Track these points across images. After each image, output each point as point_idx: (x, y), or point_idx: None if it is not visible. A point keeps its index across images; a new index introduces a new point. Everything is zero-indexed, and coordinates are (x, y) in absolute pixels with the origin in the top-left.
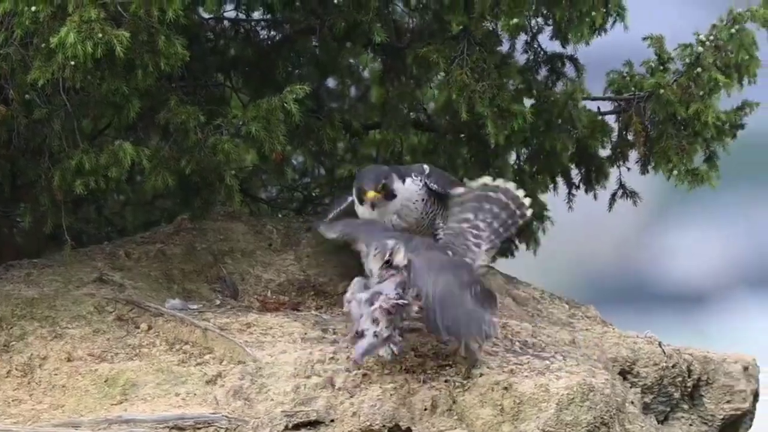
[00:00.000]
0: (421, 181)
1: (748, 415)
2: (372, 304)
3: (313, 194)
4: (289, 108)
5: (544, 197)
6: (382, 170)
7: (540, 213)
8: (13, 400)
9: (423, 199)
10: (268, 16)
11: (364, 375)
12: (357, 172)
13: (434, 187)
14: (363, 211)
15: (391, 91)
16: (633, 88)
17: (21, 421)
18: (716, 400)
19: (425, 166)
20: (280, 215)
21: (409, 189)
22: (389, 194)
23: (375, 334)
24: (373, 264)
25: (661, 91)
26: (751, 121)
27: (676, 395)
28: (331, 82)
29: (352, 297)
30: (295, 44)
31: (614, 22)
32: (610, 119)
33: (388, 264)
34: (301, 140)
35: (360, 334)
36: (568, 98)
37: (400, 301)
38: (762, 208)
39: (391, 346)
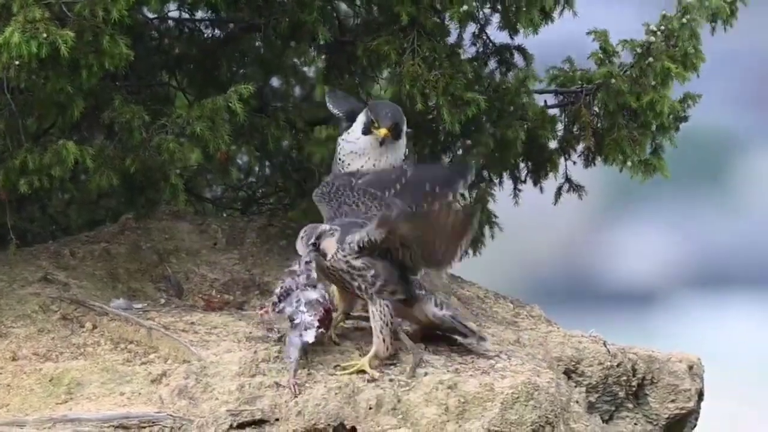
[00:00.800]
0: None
1: (693, 414)
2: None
3: (258, 193)
4: (234, 107)
5: (492, 205)
6: (399, 111)
7: (488, 218)
8: None
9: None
10: (213, 15)
11: (309, 374)
12: (371, 102)
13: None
14: (363, 143)
15: (336, 86)
16: (580, 81)
17: None
18: (661, 399)
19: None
20: (224, 215)
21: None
22: (398, 135)
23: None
24: (299, 245)
25: (612, 81)
26: (695, 118)
27: (621, 394)
28: (275, 81)
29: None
30: (240, 43)
31: (562, 9)
32: (556, 112)
33: (315, 246)
34: (246, 139)
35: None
36: (519, 85)
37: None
38: (706, 206)
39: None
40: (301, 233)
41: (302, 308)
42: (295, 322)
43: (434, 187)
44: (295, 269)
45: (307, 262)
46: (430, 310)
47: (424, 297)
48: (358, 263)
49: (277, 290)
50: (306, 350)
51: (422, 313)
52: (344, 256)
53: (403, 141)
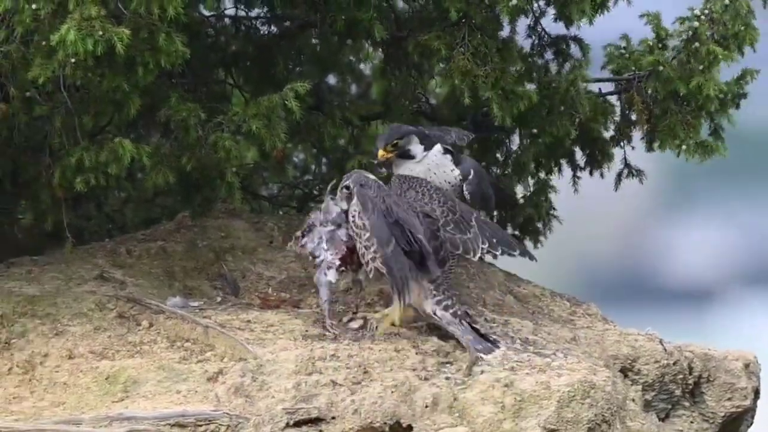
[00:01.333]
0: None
1: (749, 412)
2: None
3: (314, 191)
4: (290, 105)
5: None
6: (399, 130)
7: (547, 211)
8: (14, 398)
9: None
10: (269, 12)
11: (365, 372)
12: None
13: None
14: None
15: (393, 82)
16: (633, 68)
17: (22, 418)
18: (717, 397)
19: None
20: (281, 212)
21: (435, 158)
22: (404, 154)
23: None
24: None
25: (661, 68)
26: (756, 111)
27: (677, 393)
28: (331, 79)
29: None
30: (296, 40)
31: None
32: (612, 99)
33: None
34: (302, 137)
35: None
36: (569, 84)
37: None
38: (765, 201)
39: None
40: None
41: (324, 245)
42: (318, 259)
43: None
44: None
45: (332, 198)
46: (430, 308)
47: (432, 293)
48: None
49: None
50: (333, 290)
51: (421, 308)
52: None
53: (434, 158)
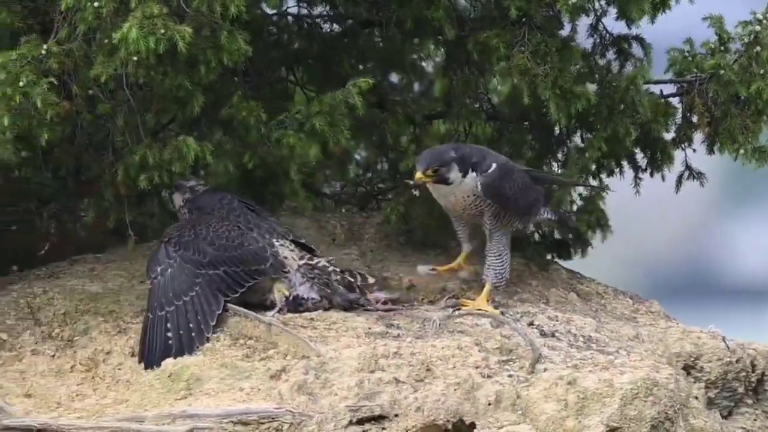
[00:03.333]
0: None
1: None
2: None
3: (376, 189)
4: (353, 102)
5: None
6: (443, 156)
7: (598, 221)
8: (77, 395)
9: (476, 196)
10: (331, 10)
11: (428, 369)
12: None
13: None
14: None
15: (454, 81)
16: (695, 70)
17: (85, 415)
18: None
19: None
20: (343, 210)
21: (467, 183)
22: (441, 180)
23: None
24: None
25: (722, 71)
26: None
27: (740, 390)
28: (394, 77)
29: None
30: (359, 39)
31: None
32: (674, 101)
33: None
34: (365, 135)
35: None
36: (630, 83)
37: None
38: None
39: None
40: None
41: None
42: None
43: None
44: None
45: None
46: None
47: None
48: None
49: None
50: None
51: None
52: None
53: (466, 179)
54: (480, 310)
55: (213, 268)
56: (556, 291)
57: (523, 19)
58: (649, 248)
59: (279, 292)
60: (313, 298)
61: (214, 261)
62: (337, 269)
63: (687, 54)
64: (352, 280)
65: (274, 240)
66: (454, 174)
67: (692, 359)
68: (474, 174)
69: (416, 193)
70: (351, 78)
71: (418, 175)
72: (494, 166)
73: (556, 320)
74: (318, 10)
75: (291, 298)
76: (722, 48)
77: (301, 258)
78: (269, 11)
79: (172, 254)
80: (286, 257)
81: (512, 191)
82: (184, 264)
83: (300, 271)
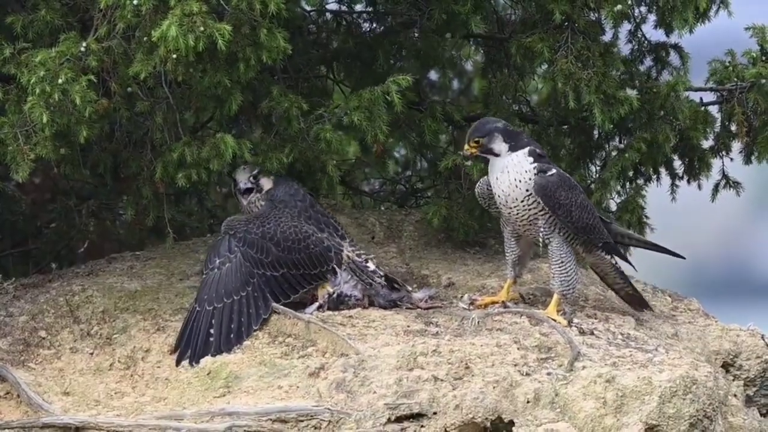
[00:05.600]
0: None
1: None
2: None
3: (415, 187)
4: (392, 98)
5: (644, 199)
6: (485, 127)
7: (638, 220)
8: (116, 393)
9: (528, 190)
10: (370, 8)
11: (467, 367)
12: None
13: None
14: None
15: (493, 82)
16: (735, 79)
17: (124, 413)
18: None
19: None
20: (382, 208)
21: (517, 159)
22: (486, 151)
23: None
24: None
25: (763, 81)
26: None
27: None
28: (433, 75)
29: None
30: (397, 36)
31: (718, 9)
32: (713, 109)
33: None
34: (403, 133)
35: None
36: (670, 90)
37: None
38: None
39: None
40: None
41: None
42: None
43: None
44: None
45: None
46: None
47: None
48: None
49: None
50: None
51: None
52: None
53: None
54: (551, 318)
55: (273, 270)
56: (594, 289)
57: (566, 23)
58: (687, 248)
59: (323, 288)
60: (356, 296)
61: (276, 262)
62: (380, 271)
63: (728, 64)
64: (395, 280)
65: (344, 242)
66: (499, 145)
67: (731, 357)
68: (527, 155)
69: (468, 163)
70: (390, 76)
71: (465, 146)
72: (554, 170)
73: (595, 318)
74: (358, 7)
75: (335, 295)
76: (764, 58)
77: (359, 257)
78: (308, 9)
79: (234, 248)
80: (348, 258)
81: (567, 201)
82: (243, 261)
83: (347, 270)
